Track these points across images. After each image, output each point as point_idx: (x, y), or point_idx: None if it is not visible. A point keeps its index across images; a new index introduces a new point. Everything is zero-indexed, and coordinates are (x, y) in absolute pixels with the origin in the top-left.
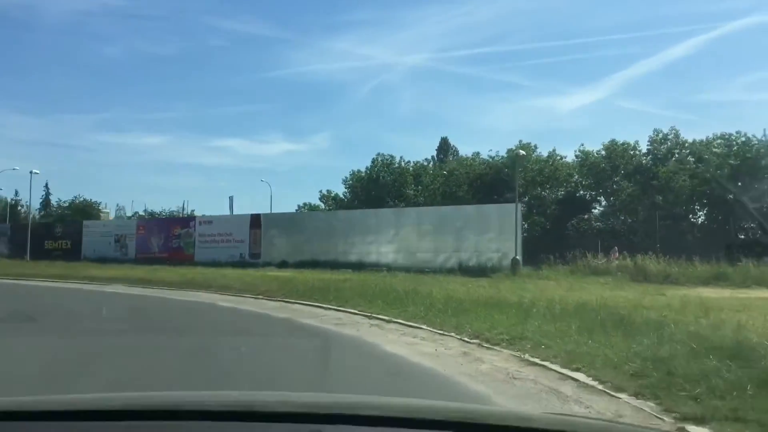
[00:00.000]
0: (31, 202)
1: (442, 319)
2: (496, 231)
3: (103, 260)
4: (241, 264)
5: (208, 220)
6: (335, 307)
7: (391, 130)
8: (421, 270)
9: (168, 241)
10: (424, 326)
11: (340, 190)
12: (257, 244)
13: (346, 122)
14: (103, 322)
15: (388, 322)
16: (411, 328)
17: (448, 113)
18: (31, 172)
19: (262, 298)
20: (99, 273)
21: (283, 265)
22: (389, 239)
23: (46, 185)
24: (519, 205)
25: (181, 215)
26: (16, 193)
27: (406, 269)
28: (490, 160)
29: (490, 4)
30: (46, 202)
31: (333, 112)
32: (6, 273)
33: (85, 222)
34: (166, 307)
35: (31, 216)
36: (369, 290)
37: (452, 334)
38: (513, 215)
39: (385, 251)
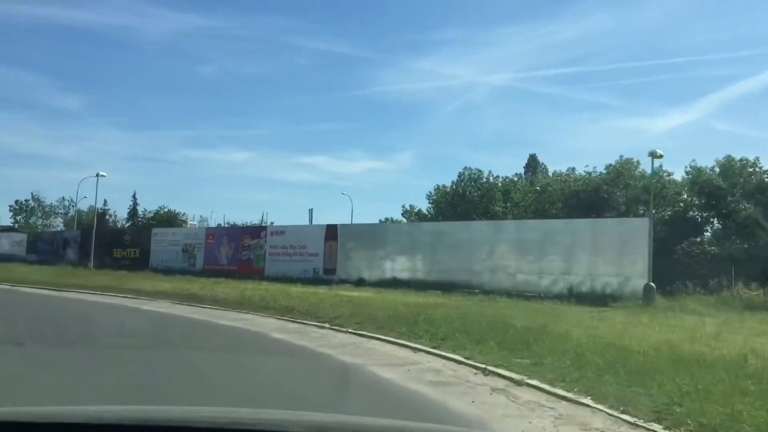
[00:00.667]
0: (96, 204)
1: (615, 386)
2: (615, 251)
3: (169, 271)
4: (313, 281)
5: (280, 230)
6: (428, 348)
7: (474, 148)
8: (521, 294)
9: (237, 252)
10: (589, 400)
11: (424, 205)
12: (332, 259)
13: (429, 141)
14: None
15: (519, 384)
16: (568, 403)
17: (533, 133)
18: (97, 175)
19: (327, 327)
20: (149, 286)
21: (360, 283)
22: (483, 256)
23: (134, 195)
24: (650, 220)
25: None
26: (105, 202)
27: (505, 293)
28: (587, 176)
29: (576, 24)
30: (133, 212)
31: (417, 130)
32: (47, 282)
33: (153, 230)
34: (189, 337)
35: (95, 222)
36: (473, 323)
37: (654, 426)
38: (638, 232)
39: (478, 270)
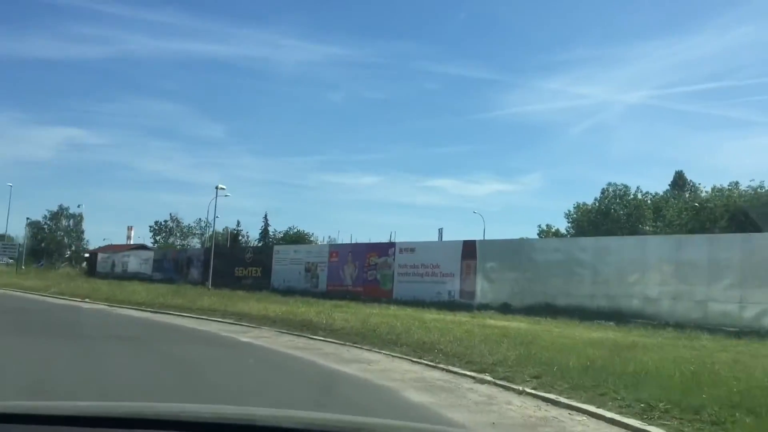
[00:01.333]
0: (214, 223)
1: None
2: None
3: (290, 292)
4: (449, 305)
5: (410, 248)
6: None
7: (608, 169)
8: (719, 329)
9: (362, 272)
10: None
11: (561, 224)
12: (470, 280)
13: (559, 162)
14: None
15: None
16: None
17: (671, 152)
18: (216, 188)
19: (489, 381)
20: (258, 309)
21: (505, 309)
22: (660, 279)
23: (265, 216)
24: None
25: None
26: (238, 223)
27: (695, 326)
28: (753, 192)
29: (716, 38)
30: (264, 233)
31: (545, 151)
32: (149, 303)
33: (275, 247)
34: (277, 394)
35: (213, 240)
36: (729, 386)
37: None
38: None
39: (654, 296)
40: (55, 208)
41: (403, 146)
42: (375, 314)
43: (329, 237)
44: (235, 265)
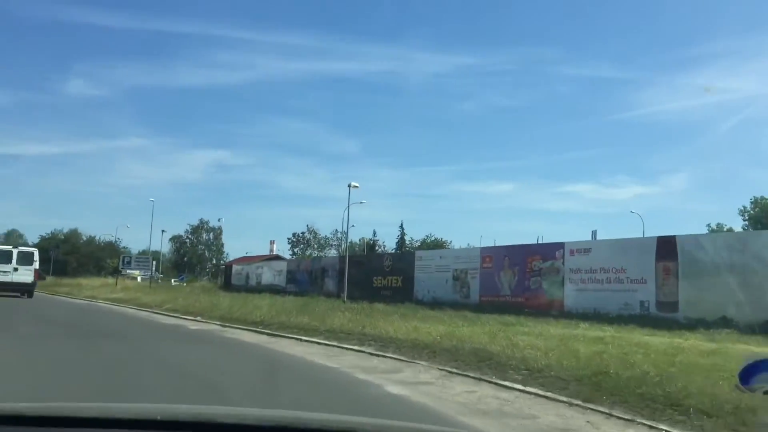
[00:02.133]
0: (348, 224)
1: None
2: None
3: (436, 303)
4: (641, 320)
5: (585, 248)
6: None
7: (763, 166)
8: None
9: (524, 278)
10: None
11: (734, 223)
12: (670, 287)
13: (704, 161)
14: None
15: None
16: None
17: None
18: (349, 186)
19: None
20: (406, 330)
21: (726, 324)
22: None
23: (401, 225)
24: None
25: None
26: (374, 233)
27: None
28: None
29: None
30: (400, 242)
31: (690, 150)
32: (268, 322)
33: (417, 253)
34: None
35: (346, 246)
36: None
37: None
38: None
39: None
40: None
41: (537, 152)
42: (571, 338)
43: (468, 244)
44: (372, 275)
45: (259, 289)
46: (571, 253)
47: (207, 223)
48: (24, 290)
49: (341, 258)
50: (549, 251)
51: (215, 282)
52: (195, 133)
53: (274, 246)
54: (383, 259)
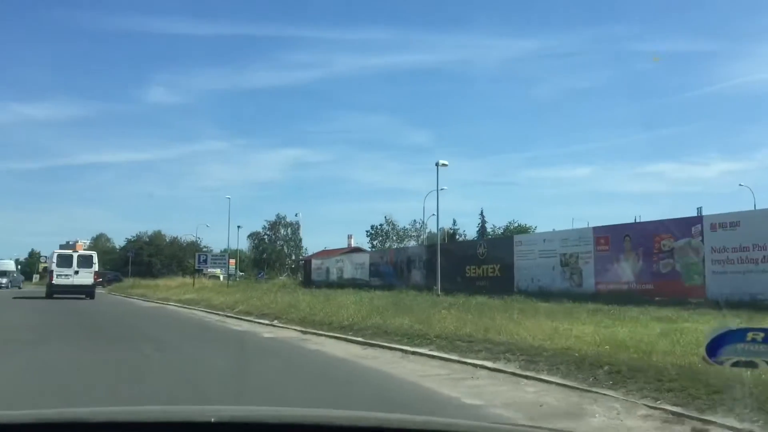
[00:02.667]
0: (438, 208)
1: None
2: None
3: (543, 294)
4: None
5: (731, 221)
6: None
7: None
8: None
9: (650, 262)
10: None
11: None
12: None
13: None
14: None
15: None
16: None
17: None
18: (437, 164)
19: None
20: (541, 333)
21: None
22: None
23: (481, 213)
24: None
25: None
26: (454, 222)
27: None
28: None
29: None
30: (482, 230)
31: None
32: (359, 326)
33: (516, 237)
34: None
35: (438, 233)
36: None
37: None
38: None
39: None
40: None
41: (615, 133)
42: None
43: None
44: (464, 264)
45: (341, 283)
46: (713, 227)
47: (284, 218)
48: (84, 292)
49: (428, 247)
50: (682, 227)
51: (295, 278)
52: (271, 133)
53: (352, 240)
54: (476, 246)
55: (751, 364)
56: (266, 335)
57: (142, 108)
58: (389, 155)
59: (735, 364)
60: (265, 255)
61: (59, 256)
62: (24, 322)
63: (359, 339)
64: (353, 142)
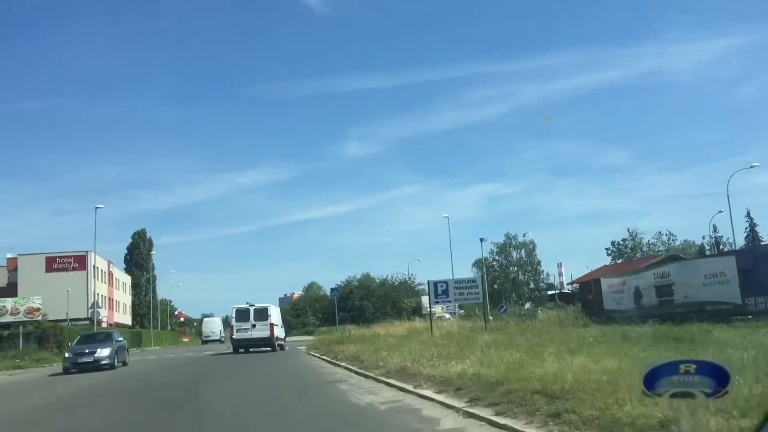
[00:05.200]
0: None
1: None
2: None
3: None
4: None
5: None
6: None
7: None
8: None
9: None
10: None
11: None
12: None
13: None
14: None
15: None
16: None
17: None
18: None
19: None
20: None
21: None
22: None
23: (748, 214)
24: None
25: None
26: (715, 228)
27: None
28: None
29: None
30: (750, 236)
31: None
32: None
33: None
34: None
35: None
36: None
37: None
38: None
39: None
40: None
41: None
42: None
43: None
44: None
45: (677, 312)
46: None
47: (515, 238)
48: (264, 345)
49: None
50: None
51: (560, 309)
52: (463, 171)
53: (562, 269)
54: None
55: (689, 395)
56: None
57: (340, 163)
58: (585, 179)
59: (673, 396)
60: (496, 285)
61: (237, 311)
62: None
63: None
64: (546, 170)
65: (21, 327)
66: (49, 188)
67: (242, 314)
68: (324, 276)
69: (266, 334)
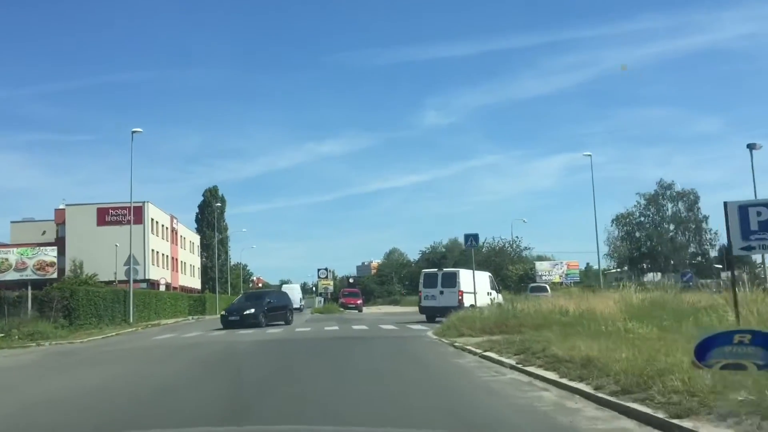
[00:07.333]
0: None
1: None
2: None
3: None
4: None
5: None
6: None
7: None
8: None
9: None
10: None
11: None
12: None
13: None
14: None
15: None
16: None
17: None
18: None
19: None
20: None
21: None
22: None
23: None
24: None
25: None
26: None
27: None
28: None
29: None
30: None
31: None
32: None
33: None
34: None
35: None
36: None
37: None
38: None
39: None
40: None
41: None
42: None
43: None
44: None
45: None
46: None
47: (671, 185)
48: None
49: None
50: None
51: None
52: (544, 140)
53: None
54: None
55: (740, 367)
56: None
57: (419, 132)
58: (673, 148)
59: (724, 367)
60: (643, 248)
61: (425, 275)
62: None
63: None
64: (633, 139)
65: (29, 287)
66: (140, 156)
67: (430, 279)
68: (402, 245)
69: (454, 302)
